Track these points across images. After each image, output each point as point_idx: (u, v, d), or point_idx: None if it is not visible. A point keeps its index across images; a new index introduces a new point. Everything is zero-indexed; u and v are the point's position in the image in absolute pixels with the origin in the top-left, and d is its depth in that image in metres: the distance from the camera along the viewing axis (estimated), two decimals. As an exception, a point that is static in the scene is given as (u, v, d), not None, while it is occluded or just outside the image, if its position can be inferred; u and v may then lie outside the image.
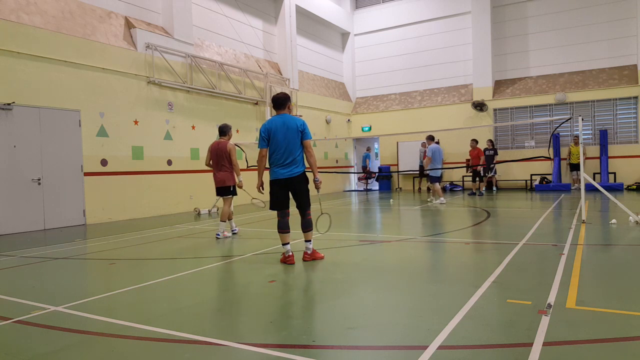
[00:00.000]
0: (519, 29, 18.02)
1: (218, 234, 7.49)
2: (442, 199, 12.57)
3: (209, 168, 7.93)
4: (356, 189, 21.17)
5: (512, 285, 4.14)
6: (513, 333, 2.96)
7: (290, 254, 5.41)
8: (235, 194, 7.75)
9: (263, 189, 5.63)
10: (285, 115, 5.36)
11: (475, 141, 15.70)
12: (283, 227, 5.41)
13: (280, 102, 5.39)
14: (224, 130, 7.78)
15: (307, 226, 5.48)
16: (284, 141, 5.25)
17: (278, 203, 5.42)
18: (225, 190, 7.69)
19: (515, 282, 4.22)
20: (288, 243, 5.43)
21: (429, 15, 19.68)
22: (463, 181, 18.48)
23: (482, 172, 15.52)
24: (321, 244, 6.50)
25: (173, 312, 3.78)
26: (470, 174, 16.40)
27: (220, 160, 7.61)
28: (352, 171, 21.29)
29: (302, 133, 5.32)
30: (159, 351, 2.95)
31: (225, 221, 7.56)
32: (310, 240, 5.52)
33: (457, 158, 18.24)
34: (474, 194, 15.41)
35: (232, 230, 7.95)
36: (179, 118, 12.40)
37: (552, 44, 17.43)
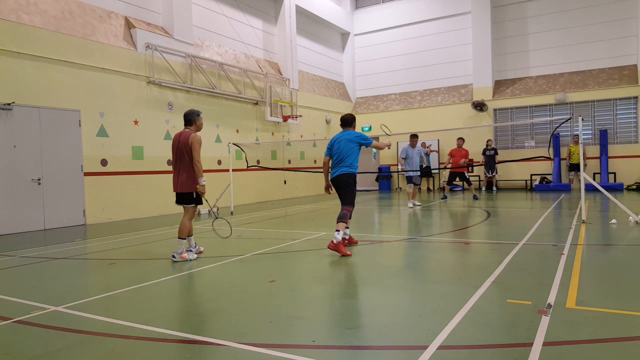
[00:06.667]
0: (519, 29, 18.02)
1: (174, 256, 5.74)
2: (410, 202, 11.93)
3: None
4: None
5: (512, 285, 4.14)
6: (513, 333, 2.96)
7: (334, 240, 5.77)
8: (200, 202, 5.90)
9: (329, 191, 6.54)
10: (347, 131, 6.33)
11: (462, 140, 13.97)
12: (338, 217, 6.02)
13: (347, 121, 6.40)
14: (189, 118, 5.88)
15: (340, 217, 6.01)
16: (339, 150, 6.20)
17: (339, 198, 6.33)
18: (186, 197, 5.83)
19: (515, 282, 4.22)
20: (338, 231, 5.84)
21: (429, 15, 19.68)
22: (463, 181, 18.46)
23: (452, 175, 13.99)
24: (322, 244, 6.51)
25: (173, 312, 3.79)
26: (472, 173, 16.14)
27: (181, 157, 5.73)
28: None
29: (361, 143, 6.20)
30: (159, 351, 2.95)
31: (184, 238, 5.78)
32: (339, 231, 5.83)
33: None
34: (446, 197, 13.94)
35: (192, 250, 5.97)
36: (179, 118, 12.37)
37: (552, 44, 17.43)
